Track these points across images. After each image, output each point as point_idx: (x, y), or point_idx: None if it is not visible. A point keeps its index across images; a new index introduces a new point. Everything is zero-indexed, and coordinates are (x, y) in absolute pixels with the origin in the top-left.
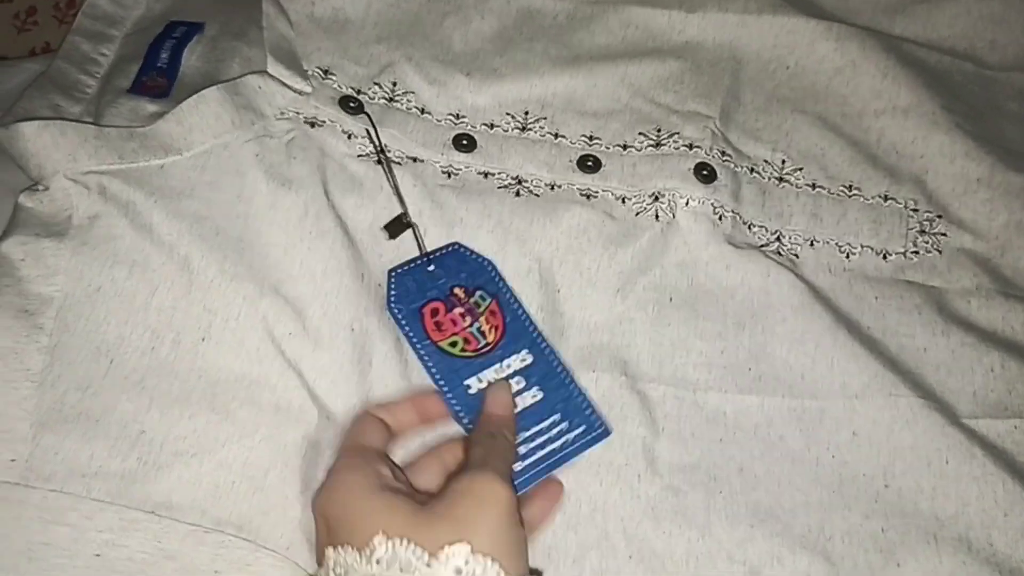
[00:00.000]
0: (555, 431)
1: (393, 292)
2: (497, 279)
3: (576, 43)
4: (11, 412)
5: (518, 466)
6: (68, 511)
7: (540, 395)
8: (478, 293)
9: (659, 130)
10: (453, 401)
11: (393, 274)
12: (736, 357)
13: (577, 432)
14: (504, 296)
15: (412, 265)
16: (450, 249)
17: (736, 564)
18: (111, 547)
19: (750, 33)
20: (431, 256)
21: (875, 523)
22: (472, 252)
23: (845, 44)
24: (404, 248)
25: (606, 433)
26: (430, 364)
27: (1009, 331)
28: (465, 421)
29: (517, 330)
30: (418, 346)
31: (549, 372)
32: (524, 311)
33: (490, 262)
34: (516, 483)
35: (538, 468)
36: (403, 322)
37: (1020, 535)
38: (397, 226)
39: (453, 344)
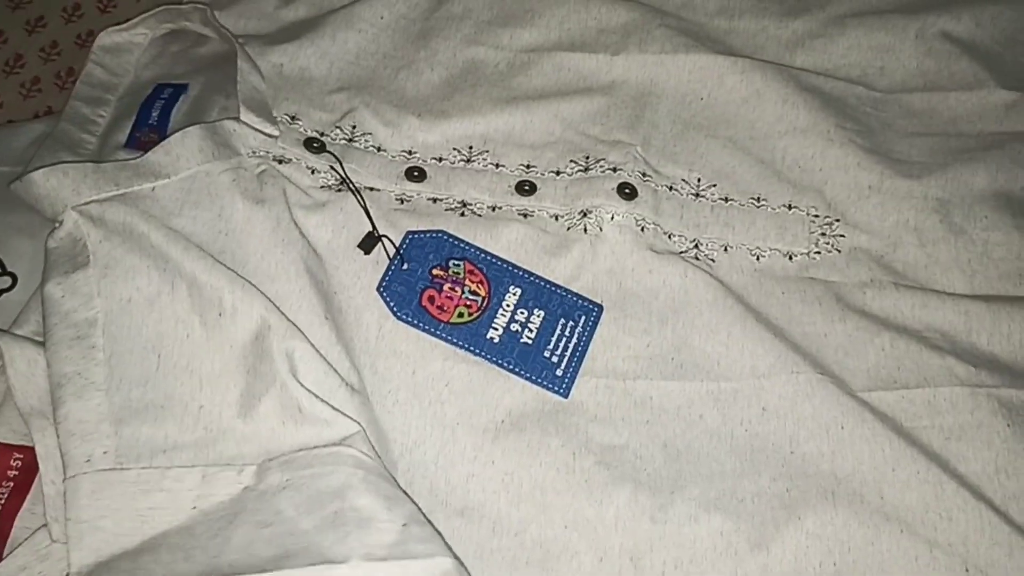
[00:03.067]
0: (568, 330)
1: (392, 303)
2: (456, 242)
3: (515, 86)
4: (92, 418)
5: (559, 370)
6: (161, 480)
7: (543, 312)
8: (451, 263)
9: (587, 157)
10: (489, 356)
11: (382, 289)
12: (660, 349)
13: (582, 321)
14: (471, 253)
15: (391, 272)
16: (409, 240)
17: (657, 524)
18: (203, 499)
19: (667, 71)
20: (400, 256)
21: (781, 484)
22: (424, 232)
23: (750, 76)
24: (358, 260)
25: (600, 309)
26: (456, 342)
27: (900, 316)
28: (510, 367)
29: (496, 274)
30: (439, 333)
31: (538, 291)
32: (491, 255)
33: (442, 231)
34: (564, 383)
35: (573, 364)
36: (415, 322)
37: (906, 487)
38: (369, 242)
39: (460, 315)
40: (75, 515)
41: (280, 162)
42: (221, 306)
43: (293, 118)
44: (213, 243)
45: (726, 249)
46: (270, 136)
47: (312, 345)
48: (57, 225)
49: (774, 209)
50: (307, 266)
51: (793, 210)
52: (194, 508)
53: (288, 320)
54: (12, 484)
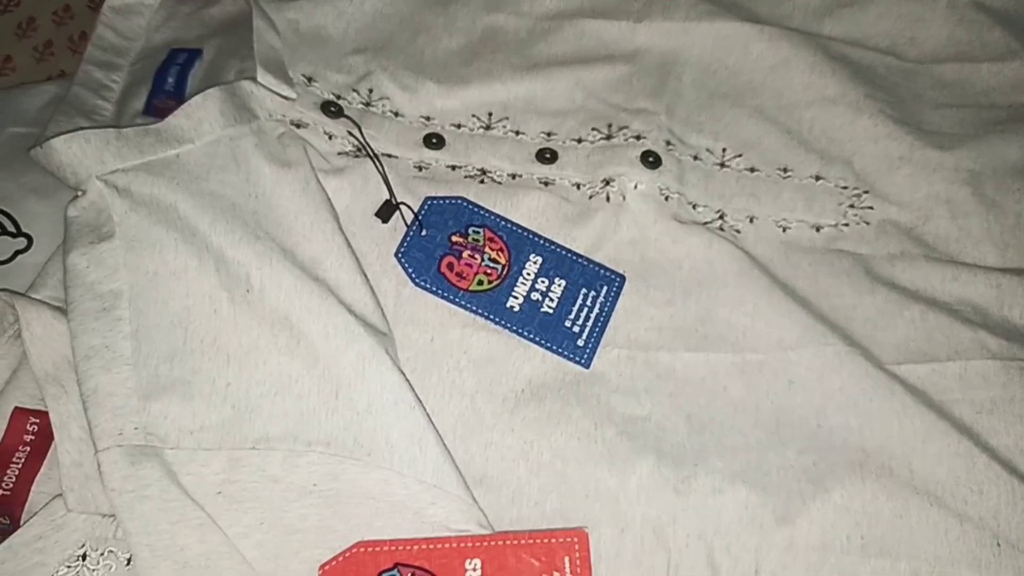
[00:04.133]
0: (590, 300)
1: (410, 269)
2: (476, 209)
3: (535, 53)
4: (120, 392)
5: (580, 340)
6: (187, 463)
7: (563, 281)
8: (471, 230)
9: (610, 125)
10: (509, 325)
11: (400, 255)
12: (684, 320)
13: (604, 291)
14: (491, 220)
15: (409, 238)
16: (427, 207)
17: (681, 496)
18: (227, 484)
19: (692, 39)
20: (418, 222)
21: (807, 458)
22: (444, 198)
23: (777, 44)
24: (375, 227)
25: (623, 279)
26: (476, 310)
27: (930, 288)
28: (531, 336)
29: (516, 242)
30: (458, 301)
31: (559, 260)
32: (511, 223)
33: (462, 198)
34: (585, 353)
35: (594, 334)
36: (433, 288)
37: (936, 461)
38: (387, 210)
39: (480, 283)
40: (118, 486)
41: (297, 126)
42: (249, 283)
43: (310, 79)
44: (244, 206)
45: (752, 220)
46: (287, 99)
47: (351, 313)
48: (80, 194)
49: (801, 180)
50: (339, 225)
51: (821, 181)
52: (219, 493)
53: (327, 295)
54: (29, 449)
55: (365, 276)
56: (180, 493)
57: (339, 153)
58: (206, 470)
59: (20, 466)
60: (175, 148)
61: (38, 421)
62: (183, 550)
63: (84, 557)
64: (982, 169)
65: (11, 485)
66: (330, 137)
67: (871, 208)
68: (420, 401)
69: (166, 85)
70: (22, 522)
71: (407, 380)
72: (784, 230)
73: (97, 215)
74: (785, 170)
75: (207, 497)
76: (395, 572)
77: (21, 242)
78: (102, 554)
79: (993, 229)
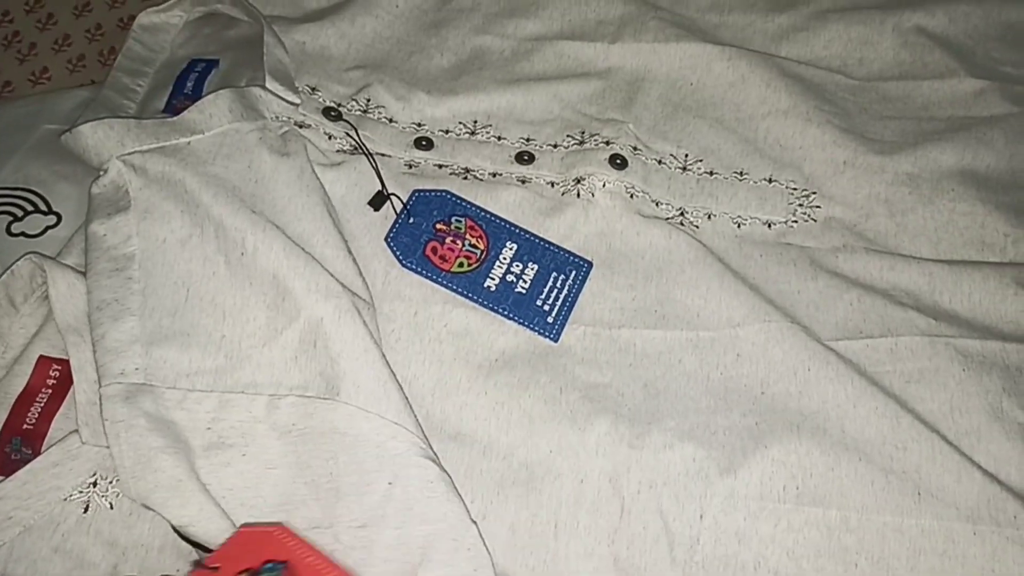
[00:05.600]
0: (560, 282)
1: (398, 252)
2: (459, 201)
3: (518, 70)
4: (126, 339)
5: (550, 318)
6: (182, 401)
7: (536, 266)
8: (453, 219)
9: (583, 132)
10: (486, 303)
11: (389, 240)
12: (645, 302)
13: (573, 275)
14: (472, 211)
15: (398, 225)
16: (415, 197)
17: (635, 450)
18: (216, 421)
19: (660, 58)
20: (407, 211)
21: (750, 419)
22: (430, 191)
23: (736, 62)
24: (368, 215)
25: (590, 265)
26: (456, 289)
27: (868, 276)
28: (505, 313)
29: (494, 230)
30: (440, 280)
31: (533, 247)
32: (490, 213)
33: (446, 191)
34: (554, 329)
35: (563, 313)
36: (418, 269)
37: (865, 422)
38: (379, 199)
39: (461, 265)
40: (111, 416)
41: (300, 127)
42: (244, 246)
43: (313, 89)
44: (244, 188)
45: (710, 217)
46: (292, 103)
47: (333, 276)
48: (102, 173)
49: (755, 182)
50: (328, 209)
51: (773, 183)
52: (208, 428)
53: (310, 259)
54: (50, 391)
55: (351, 254)
56: (163, 427)
57: (337, 151)
58: (199, 407)
59: (42, 406)
60: (187, 137)
61: (60, 368)
62: (157, 472)
63: (95, 484)
64: (920, 172)
65: (34, 421)
66: (330, 137)
67: (818, 207)
68: (388, 364)
69: (185, 88)
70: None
71: (377, 340)
72: (739, 226)
73: (116, 191)
74: (741, 173)
75: (197, 431)
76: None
77: (52, 219)
78: (111, 482)
79: (928, 225)
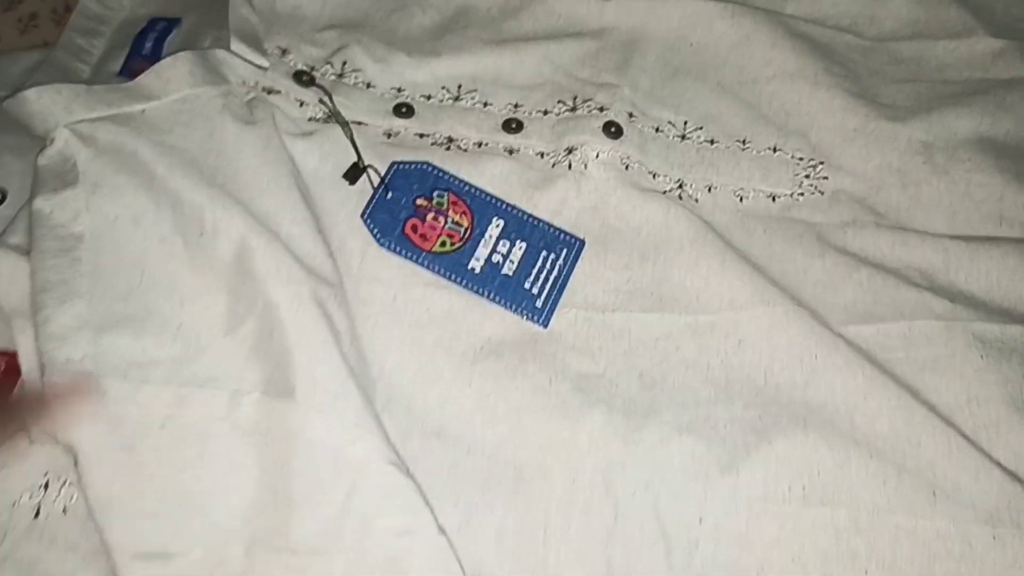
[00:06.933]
0: (549, 263)
1: (376, 230)
2: (440, 174)
3: (505, 30)
4: (73, 324)
5: (539, 302)
6: (135, 393)
7: (524, 244)
8: (435, 193)
9: (575, 98)
10: (470, 285)
11: (366, 217)
12: (640, 283)
13: (564, 254)
14: (455, 185)
15: (375, 201)
16: (393, 171)
17: (630, 446)
18: (171, 419)
19: (657, 16)
20: (384, 185)
21: (753, 412)
22: (409, 163)
23: (739, 20)
24: (342, 188)
25: (582, 243)
26: (438, 270)
27: (879, 253)
28: (491, 296)
29: (479, 206)
30: (421, 261)
31: (520, 223)
32: (474, 187)
33: (427, 163)
34: (544, 313)
35: (553, 296)
36: (397, 249)
37: (876, 414)
38: (354, 172)
39: (443, 244)
40: None
41: (269, 93)
42: (202, 226)
43: (284, 51)
44: (204, 160)
45: (710, 189)
46: (260, 67)
47: (300, 262)
48: (48, 143)
49: (759, 152)
50: (297, 183)
51: (778, 152)
52: (162, 427)
53: (273, 239)
54: None
55: (321, 233)
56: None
57: (309, 119)
58: (153, 402)
59: None
60: (142, 103)
61: (6, 359)
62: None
63: (46, 486)
64: (934, 140)
65: None
66: (301, 104)
67: (825, 178)
68: (347, 361)
69: (143, 49)
70: None
71: (340, 332)
72: (741, 199)
73: (63, 163)
74: (744, 142)
75: (151, 429)
76: None
77: None
78: (64, 484)
79: (943, 198)
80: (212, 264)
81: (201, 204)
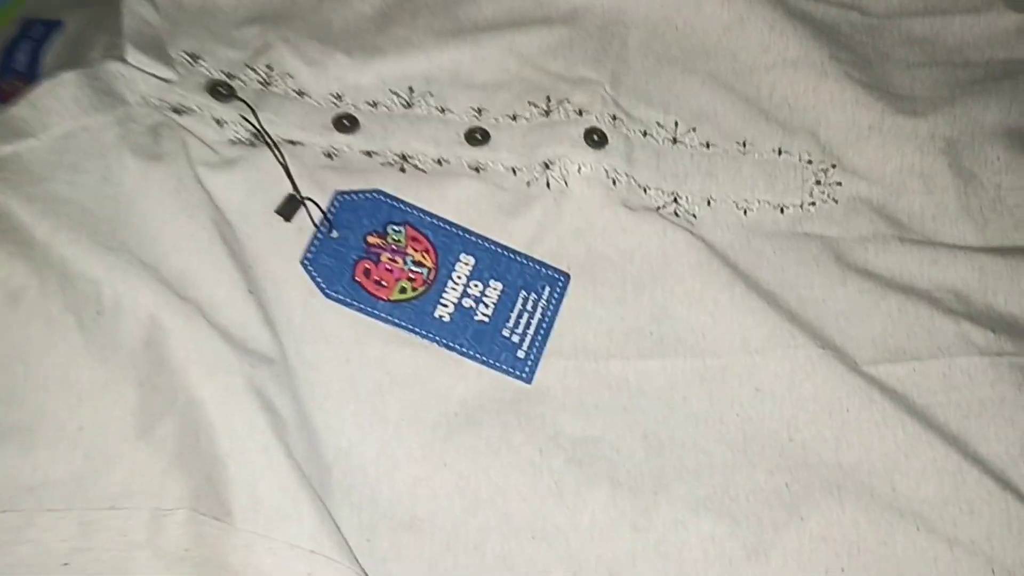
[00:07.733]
0: (529, 304)
1: (319, 279)
2: (395, 204)
3: (461, 16)
4: None
5: (520, 351)
6: (25, 528)
7: (500, 284)
8: (390, 229)
9: (548, 98)
10: (438, 338)
11: (307, 263)
12: (637, 321)
13: (546, 292)
14: (413, 216)
15: (317, 243)
16: (338, 204)
17: (640, 532)
18: (77, 553)
19: None
20: (328, 222)
21: (779, 479)
22: (357, 193)
23: (731, 0)
24: (277, 226)
25: (567, 278)
26: (399, 322)
27: (907, 275)
28: (463, 349)
29: (444, 240)
30: (377, 313)
31: (494, 259)
32: (437, 218)
33: (378, 191)
34: (527, 366)
35: (536, 343)
36: (348, 300)
37: (921, 476)
38: (290, 206)
39: (403, 291)
40: None
41: (179, 112)
42: (100, 303)
43: (194, 57)
44: (99, 212)
45: (709, 203)
46: (164, 80)
47: (224, 339)
48: None
49: (762, 155)
50: (220, 232)
51: (783, 155)
52: (65, 564)
53: (192, 313)
54: None
55: (252, 294)
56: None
57: (231, 142)
58: (50, 536)
59: None
60: (11, 144)
61: None
62: None
63: None
64: (959, 136)
65: None
66: (220, 124)
67: (839, 184)
68: (297, 467)
69: (16, 64)
70: None
71: (280, 426)
72: (745, 212)
73: None
74: (744, 144)
75: (51, 571)
76: None
77: None
78: None
79: (972, 204)
80: (115, 349)
81: (96, 275)
